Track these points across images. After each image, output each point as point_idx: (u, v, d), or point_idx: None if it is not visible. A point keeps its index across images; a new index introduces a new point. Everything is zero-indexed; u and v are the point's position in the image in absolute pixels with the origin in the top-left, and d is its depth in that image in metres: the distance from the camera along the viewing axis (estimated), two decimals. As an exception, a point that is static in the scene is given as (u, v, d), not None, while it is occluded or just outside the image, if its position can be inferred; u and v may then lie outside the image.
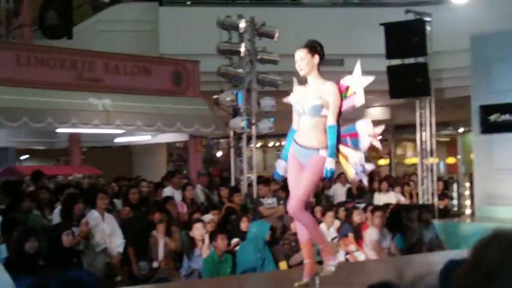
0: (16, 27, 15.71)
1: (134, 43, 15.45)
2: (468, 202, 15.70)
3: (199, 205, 10.91)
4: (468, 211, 15.35)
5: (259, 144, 18.26)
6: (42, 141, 16.88)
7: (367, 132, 5.03)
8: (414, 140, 15.24)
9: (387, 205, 11.36)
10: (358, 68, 5.09)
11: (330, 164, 4.91)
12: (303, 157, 5.03)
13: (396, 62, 13.93)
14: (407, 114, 15.87)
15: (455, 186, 16.92)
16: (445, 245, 10.49)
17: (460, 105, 14.75)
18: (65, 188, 10.51)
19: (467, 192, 16.03)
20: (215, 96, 12.57)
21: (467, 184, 16.06)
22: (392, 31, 13.66)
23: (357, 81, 5.04)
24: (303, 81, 5.22)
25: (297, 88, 5.23)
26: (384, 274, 2.22)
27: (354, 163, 5.01)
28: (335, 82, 5.06)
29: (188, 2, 16.91)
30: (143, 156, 18.17)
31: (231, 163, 13.08)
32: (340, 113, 5.04)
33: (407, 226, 10.64)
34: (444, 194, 14.65)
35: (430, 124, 14.03)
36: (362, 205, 11.27)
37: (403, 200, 13.22)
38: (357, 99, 5.04)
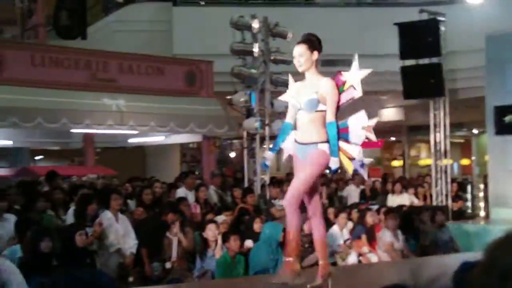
0: (30, 28, 15.79)
1: (148, 43, 15.49)
2: (482, 204, 15.59)
3: (212, 206, 10.91)
4: (482, 213, 15.25)
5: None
6: (57, 142, 16.97)
7: (361, 125, 4.98)
8: (428, 141, 15.17)
9: (400, 207, 11.31)
10: (355, 63, 5.05)
11: (334, 164, 4.87)
12: (303, 154, 4.99)
13: (410, 62, 13.88)
14: (421, 115, 15.80)
15: (469, 187, 16.81)
16: (459, 247, 10.42)
17: (474, 106, 14.67)
18: (79, 189, 10.55)
19: (481, 194, 15.92)
20: (228, 97, 12.57)
21: (482, 186, 15.95)
22: (406, 31, 13.60)
23: (354, 75, 5.01)
24: (300, 78, 5.20)
25: (293, 84, 5.21)
26: (397, 276, 2.20)
27: (352, 158, 4.98)
28: (331, 78, 5.04)
29: (202, 2, 16.94)
30: (157, 157, 18.22)
31: (244, 164, 13.08)
32: (338, 108, 5.01)
33: (420, 228, 10.58)
34: (458, 195, 14.57)
35: (444, 125, 13.95)
36: (375, 207, 11.23)
37: (417, 201, 13.16)
38: (355, 92, 5.00)
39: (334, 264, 9.35)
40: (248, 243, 8.62)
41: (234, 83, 12.41)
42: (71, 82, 12.45)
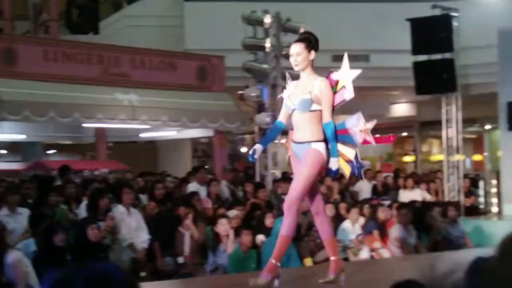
0: (43, 22, 15.86)
1: (160, 38, 15.51)
2: (495, 200, 15.53)
3: (224, 201, 10.93)
4: (495, 209, 15.19)
5: (284, 140, 18.22)
6: (69, 136, 17.06)
7: (359, 127, 4.93)
8: (439, 137, 15.12)
9: (413, 202, 11.29)
10: (345, 61, 4.98)
11: (334, 165, 4.84)
12: (299, 153, 4.97)
13: (422, 58, 13.83)
14: (433, 111, 15.74)
15: (481, 183, 16.75)
16: (471, 243, 10.40)
17: (487, 102, 14.59)
18: (92, 183, 10.60)
19: (493, 190, 15.86)
20: (240, 92, 12.58)
21: (494, 182, 15.89)
22: (419, 26, 13.55)
23: (346, 75, 4.95)
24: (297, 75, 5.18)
25: (290, 83, 5.18)
26: (409, 271, 2.21)
27: (349, 161, 4.95)
28: (326, 78, 5.00)
29: (214, -3, 16.93)
30: (168, 152, 18.26)
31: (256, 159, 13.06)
32: (333, 108, 4.97)
33: (430, 224, 10.56)
34: (471, 191, 14.52)
35: (457, 121, 13.91)
36: (387, 202, 11.22)
37: (429, 197, 13.12)
38: (347, 93, 4.93)
39: (346, 259, 9.36)
40: (260, 238, 8.63)
41: (245, 78, 12.42)
42: (83, 77, 12.50)
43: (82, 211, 9.03)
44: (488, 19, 14.04)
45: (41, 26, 15.84)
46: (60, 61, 12.49)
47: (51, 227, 7.35)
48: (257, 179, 12.69)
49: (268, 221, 8.98)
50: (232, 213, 9.59)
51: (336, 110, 5.02)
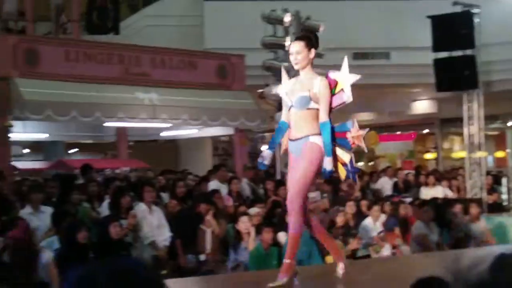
0: (63, 24, 15.99)
1: (180, 37, 15.57)
2: (517, 197, 15.40)
3: (245, 199, 10.96)
4: (517, 206, 15.06)
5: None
6: (91, 135, 17.19)
7: (352, 133, 4.88)
8: (461, 134, 15.02)
9: (434, 199, 11.24)
10: (345, 63, 4.94)
11: (328, 165, 4.75)
12: (297, 150, 4.89)
13: (443, 55, 13.74)
14: (454, 108, 15.65)
15: (504, 180, 16.61)
16: (494, 240, 10.33)
17: (509, 98, 14.50)
18: (113, 181, 10.68)
19: (516, 187, 15.72)
20: (260, 90, 12.59)
21: (517, 179, 15.76)
22: (440, 23, 13.46)
23: (345, 78, 4.91)
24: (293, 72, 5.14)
25: (287, 81, 5.14)
26: (431, 268, 2.21)
27: (344, 164, 4.92)
28: (325, 77, 4.95)
29: (233, -3, 16.96)
30: (189, 150, 18.33)
31: (276, 156, 13.09)
32: (331, 109, 4.92)
33: (452, 221, 10.51)
34: (493, 188, 14.42)
35: (478, 118, 13.81)
36: (408, 199, 11.18)
37: (451, 194, 13.06)
38: (346, 96, 4.89)
39: (368, 256, 9.36)
40: (281, 235, 8.64)
41: (265, 77, 12.43)
42: (104, 77, 12.59)
43: (104, 209, 9.10)
44: (510, 15, 13.94)
45: (64, 26, 15.97)
46: (81, 61, 12.59)
47: (74, 225, 7.42)
48: (278, 176, 12.70)
49: (289, 218, 8.97)
50: (253, 210, 9.62)
51: (334, 110, 4.99)
